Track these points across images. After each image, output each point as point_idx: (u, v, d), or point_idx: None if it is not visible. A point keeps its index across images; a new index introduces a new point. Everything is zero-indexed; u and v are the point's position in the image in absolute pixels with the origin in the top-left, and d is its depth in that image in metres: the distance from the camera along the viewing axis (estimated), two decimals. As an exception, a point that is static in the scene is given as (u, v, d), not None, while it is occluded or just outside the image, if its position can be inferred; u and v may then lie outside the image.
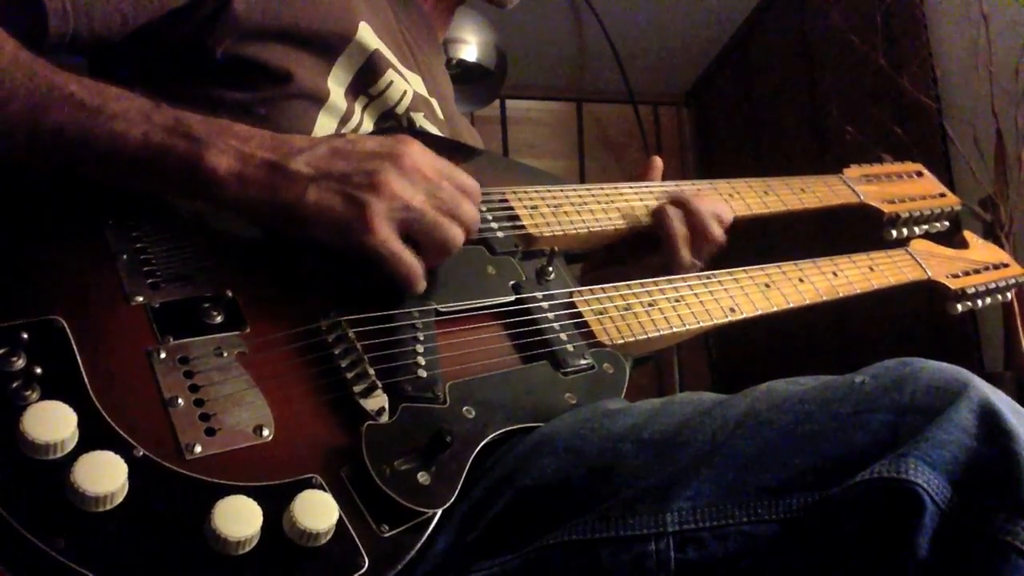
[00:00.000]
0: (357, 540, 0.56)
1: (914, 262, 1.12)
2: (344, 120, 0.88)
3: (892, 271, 1.08)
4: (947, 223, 1.25)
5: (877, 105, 2.16)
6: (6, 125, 0.64)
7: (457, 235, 0.71)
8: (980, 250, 1.25)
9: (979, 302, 1.18)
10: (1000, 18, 1.84)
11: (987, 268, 1.22)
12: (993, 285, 1.20)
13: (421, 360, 0.68)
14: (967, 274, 1.18)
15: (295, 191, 0.66)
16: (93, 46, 0.78)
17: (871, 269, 1.05)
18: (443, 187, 0.70)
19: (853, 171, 1.22)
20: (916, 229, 1.21)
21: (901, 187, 1.25)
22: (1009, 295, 1.25)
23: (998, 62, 1.80)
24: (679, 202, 0.96)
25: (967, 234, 1.27)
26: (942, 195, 1.26)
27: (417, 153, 0.70)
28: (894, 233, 1.20)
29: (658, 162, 1.06)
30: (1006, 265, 1.24)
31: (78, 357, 0.58)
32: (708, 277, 0.91)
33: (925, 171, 1.31)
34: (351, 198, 0.66)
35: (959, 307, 1.16)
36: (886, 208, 1.18)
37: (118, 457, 0.52)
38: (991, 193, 1.71)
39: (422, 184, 0.69)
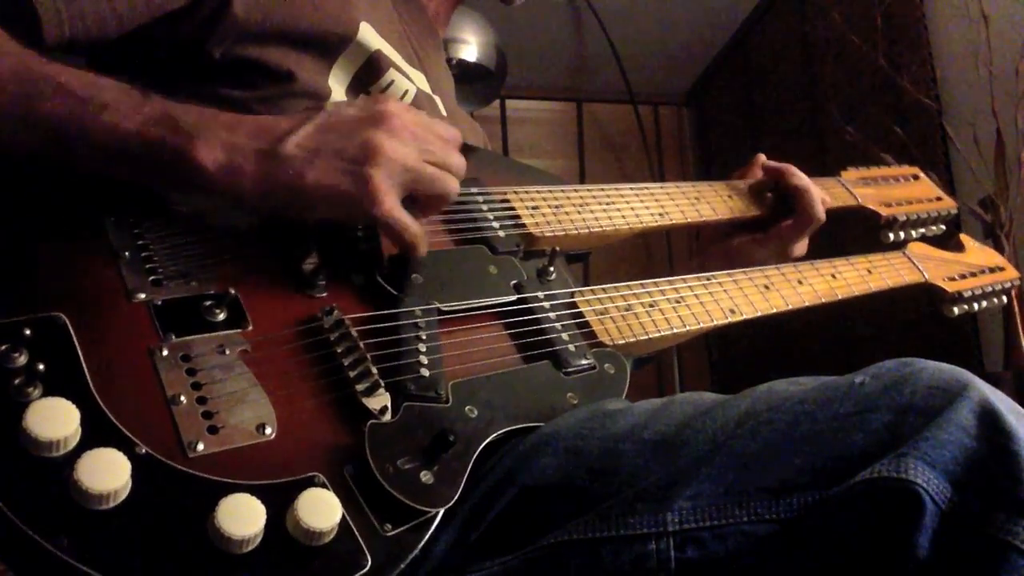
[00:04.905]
0: (360, 539, 0.56)
1: (911, 265, 1.13)
2: (346, 119, 0.87)
3: (890, 274, 1.08)
4: (943, 226, 1.26)
5: (877, 105, 2.16)
6: None
7: (453, 185, 0.72)
8: (976, 253, 1.26)
9: (975, 305, 1.18)
10: (1000, 18, 1.84)
11: (983, 271, 1.22)
12: (989, 288, 1.20)
13: (424, 359, 0.68)
14: (963, 277, 1.18)
15: (292, 175, 0.65)
16: (90, 49, 0.78)
17: (869, 272, 1.06)
18: (431, 140, 0.71)
19: (850, 174, 1.23)
20: (913, 232, 1.22)
21: (898, 190, 1.25)
22: (1005, 299, 1.25)
23: (998, 62, 1.80)
24: (801, 180, 1.06)
25: (963, 237, 1.28)
26: (938, 198, 1.27)
27: (401, 111, 0.70)
28: (891, 236, 1.20)
29: (761, 157, 1.12)
30: (1002, 269, 1.24)
31: (80, 354, 0.58)
32: (708, 279, 0.91)
33: (921, 174, 1.31)
34: (352, 173, 0.66)
35: (956, 310, 1.16)
36: (883, 211, 1.19)
37: (121, 454, 0.52)
38: (991, 193, 1.71)
39: (412, 142, 0.69)
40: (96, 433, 0.54)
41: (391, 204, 0.67)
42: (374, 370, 0.65)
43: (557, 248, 0.84)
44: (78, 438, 0.53)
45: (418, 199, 0.71)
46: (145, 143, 0.64)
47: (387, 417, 0.63)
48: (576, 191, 0.94)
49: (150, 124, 0.65)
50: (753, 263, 1.03)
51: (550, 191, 0.92)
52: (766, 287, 0.94)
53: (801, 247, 1.08)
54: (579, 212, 0.92)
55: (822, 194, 1.08)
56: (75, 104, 0.64)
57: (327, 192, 0.65)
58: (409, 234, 0.69)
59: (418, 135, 0.70)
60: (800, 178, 1.07)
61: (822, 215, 1.05)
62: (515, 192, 0.89)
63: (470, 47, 2.44)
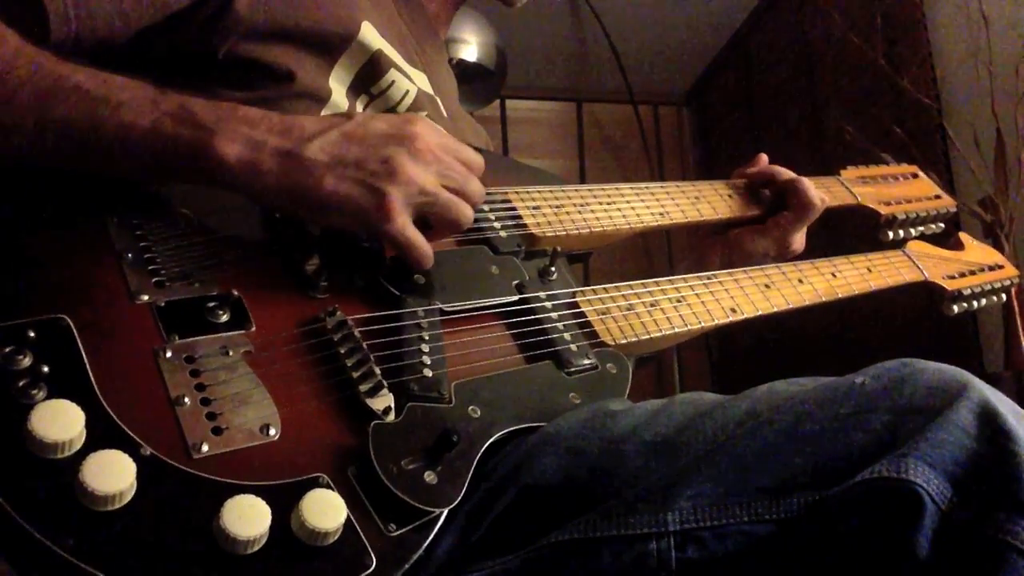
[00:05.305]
0: (365, 539, 0.56)
1: (911, 263, 1.13)
2: (346, 119, 0.88)
3: (889, 272, 1.08)
4: (942, 225, 1.26)
5: (877, 105, 2.16)
6: (13, 118, 0.63)
7: (468, 213, 0.73)
8: (975, 251, 1.26)
9: (975, 303, 1.19)
10: (1000, 18, 1.84)
11: (982, 269, 1.22)
12: (989, 286, 1.20)
13: (427, 359, 0.68)
14: (963, 275, 1.18)
15: (312, 180, 0.66)
16: (95, 48, 0.78)
17: (869, 270, 1.06)
18: (452, 166, 0.72)
19: (849, 173, 1.23)
20: (912, 231, 1.22)
21: (897, 189, 1.25)
22: (1004, 296, 1.26)
23: (998, 62, 1.80)
24: (790, 174, 1.08)
25: (962, 236, 1.28)
26: (937, 197, 1.27)
27: (427, 133, 0.71)
28: (890, 235, 1.20)
29: (763, 157, 1.14)
30: (1001, 267, 1.25)
31: (84, 356, 0.58)
32: (709, 278, 0.92)
33: (920, 173, 1.32)
34: (370, 187, 0.67)
35: (955, 308, 1.17)
36: (883, 210, 1.19)
37: (126, 456, 0.52)
38: (991, 193, 1.71)
39: (434, 165, 0.70)
40: (101, 435, 0.54)
41: (403, 222, 0.68)
42: (377, 371, 0.65)
43: (558, 248, 0.84)
44: (83, 440, 0.53)
45: (431, 222, 0.72)
46: (163, 138, 0.65)
47: (390, 417, 0.63)
48: (577, 191, 0.95)
49: (168, 119, 0.65)
50: (752, 254, 1.03)
51: (551, 191, 0.92)
52: (767, 286, 0.95)
53: (799, 240, 1.08)
54: (580, 212, 0.92)
55: (821, 192, 1.08)
56: (91, 104, 0.64)
57: (342, 201, 0.66)
58: (416, 252, 0.70)
59: (440, 159, 0.71)
60: (789, 172, 1.09)
61: (818, 201, 1.06)
62: (516, 192, 0.90)
63: (470, 47, 2.44)
